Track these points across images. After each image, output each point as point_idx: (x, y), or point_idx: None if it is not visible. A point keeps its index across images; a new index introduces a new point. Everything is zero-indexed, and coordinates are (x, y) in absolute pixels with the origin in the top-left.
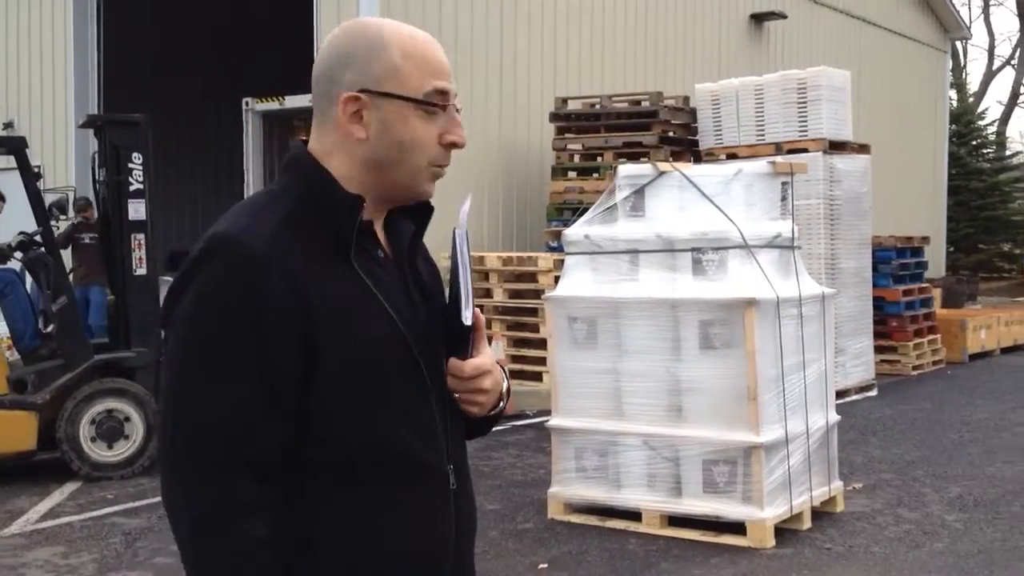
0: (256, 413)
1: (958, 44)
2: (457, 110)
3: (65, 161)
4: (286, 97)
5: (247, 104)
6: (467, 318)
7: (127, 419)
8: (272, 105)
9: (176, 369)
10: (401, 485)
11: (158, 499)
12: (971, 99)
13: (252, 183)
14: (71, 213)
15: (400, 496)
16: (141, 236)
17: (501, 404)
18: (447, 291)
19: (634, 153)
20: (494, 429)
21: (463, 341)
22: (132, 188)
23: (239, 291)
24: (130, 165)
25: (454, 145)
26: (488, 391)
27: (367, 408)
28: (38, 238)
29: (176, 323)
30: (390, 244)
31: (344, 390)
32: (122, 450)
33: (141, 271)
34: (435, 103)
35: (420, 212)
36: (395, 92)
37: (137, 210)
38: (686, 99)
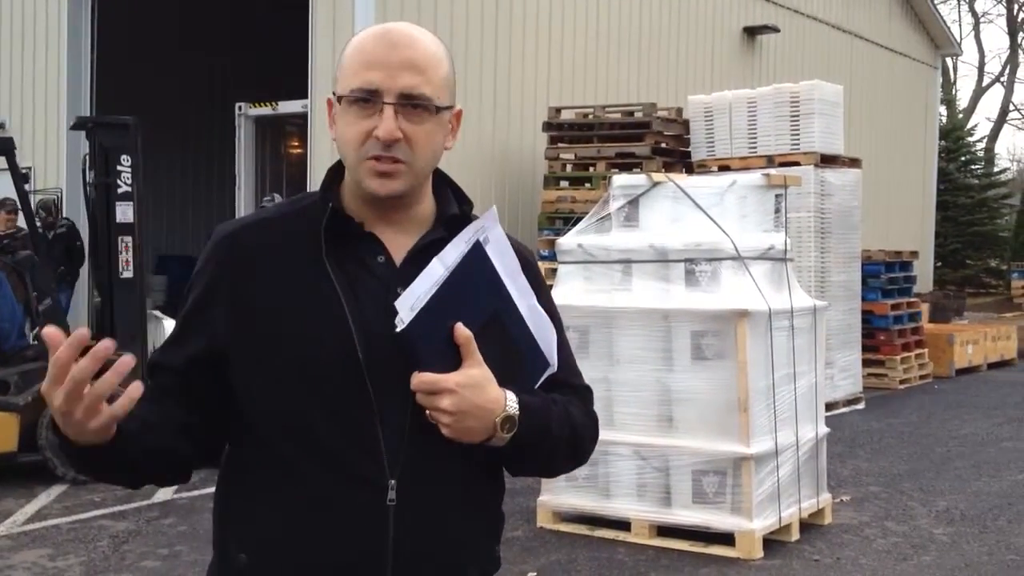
0: (171, 373)
1: (948, 60)
2: (400, 104)
3: (57, 162)
4: (279, 103)
5: (240, 109)
6: (399, 323)
7: None
8: (265, 110)
9: None
10: (319, 482)
11: (146, 502)
12: (960, 115)
13: (243, 188)
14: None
15: (318, 493)
16: (128, 239)
17: (502, 435)
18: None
19: (627, 164)
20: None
21: (412, 353)
22: (120, 191)
23: (209, 267)
24: (119, 167)
25: (378, 138)
26: (449, 412)
27: (278, 393)
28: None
29: None
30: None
31: (258, 377)
32: None
33: (127, 274)
34: (358, 97)
35: (462, 225)
36: (337, 91)
37: (125, 212)
38: (679, 111)
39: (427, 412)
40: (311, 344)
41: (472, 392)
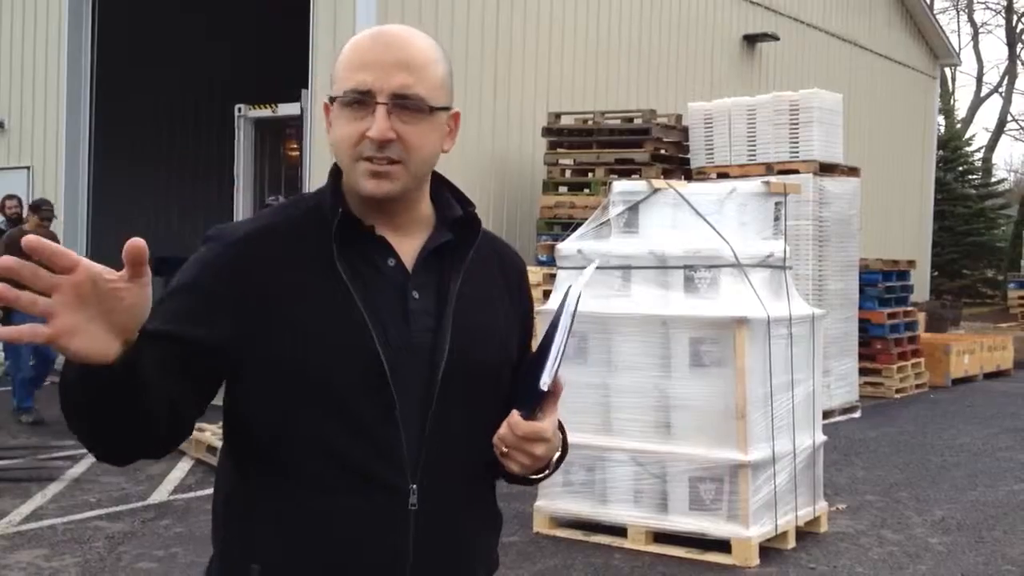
0: (176, 345)
1: (947, 70)
2: (393, 104)
3: (56, 162)
4: (279, 105)
5: (240, 111)
6: (544, 384)
7: None
8: (265, 112)
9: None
10: (338, 489)
11: (141, 503)
12: (959, 125)
13: (243, 189)
14: None
15: (339, 500)
16: None
17: (547, 471)
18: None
19: (626, 170)
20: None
21: (533, 401)
22: None
23: (201, 270)
24: None
25: (371, 139)
26: (538, 458)
27: (296, 402)
28: None
29: None
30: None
31: (271, 382)
32: None
33: None
34: (351, 99)
35: (467, 227)
36: (331, 94)
37: None
38: (678, 117)
39: (500, 450)
40: (333, 355)
41: (554, 439)
